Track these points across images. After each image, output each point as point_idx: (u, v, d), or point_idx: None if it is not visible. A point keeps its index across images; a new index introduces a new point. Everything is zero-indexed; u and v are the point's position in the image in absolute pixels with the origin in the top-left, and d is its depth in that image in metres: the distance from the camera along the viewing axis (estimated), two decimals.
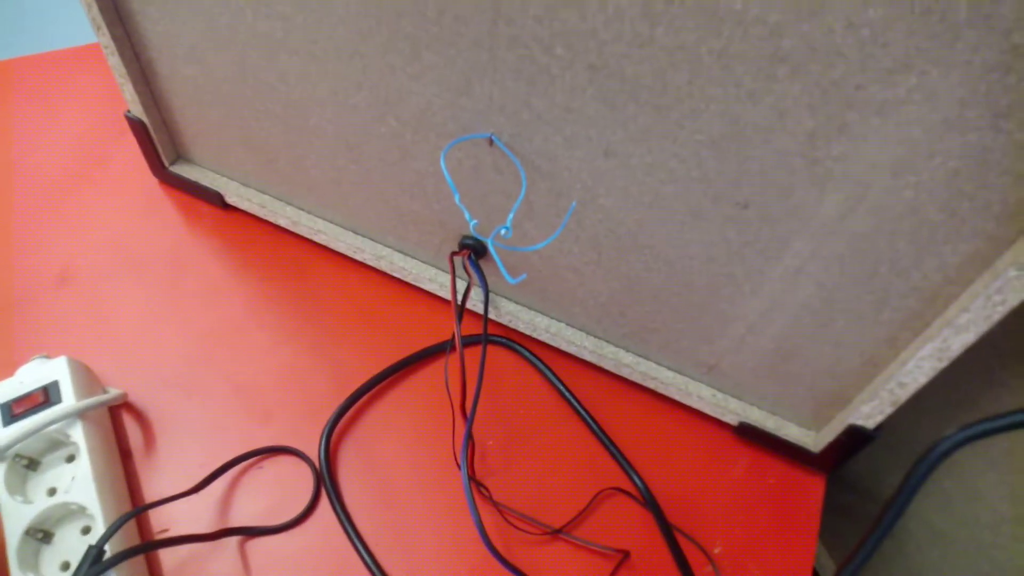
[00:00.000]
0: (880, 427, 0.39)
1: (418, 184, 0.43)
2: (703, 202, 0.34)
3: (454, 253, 0.44)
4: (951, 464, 0.47)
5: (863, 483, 0.55)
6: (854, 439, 0.40)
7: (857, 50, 0.26)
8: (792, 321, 0.38)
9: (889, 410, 0.38)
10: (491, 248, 0.34)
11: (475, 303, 0.49)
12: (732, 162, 0.32)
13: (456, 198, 0.35)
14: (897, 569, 0.53)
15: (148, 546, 0.37)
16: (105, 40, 0.44)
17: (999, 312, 0.30)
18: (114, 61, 0.45)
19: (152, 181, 0.55)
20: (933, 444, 0.27)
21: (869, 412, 0.39)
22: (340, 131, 0.42)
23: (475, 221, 0.35)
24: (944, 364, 0.34)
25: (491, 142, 0.37)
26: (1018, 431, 0.25)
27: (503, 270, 0.34)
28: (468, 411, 0.40)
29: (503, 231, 0.35)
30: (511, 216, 0.36)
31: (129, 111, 0.49)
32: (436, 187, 0.42)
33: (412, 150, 0.41)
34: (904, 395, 0.36)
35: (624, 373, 0.47)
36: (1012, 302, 0.29)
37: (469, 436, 0.38)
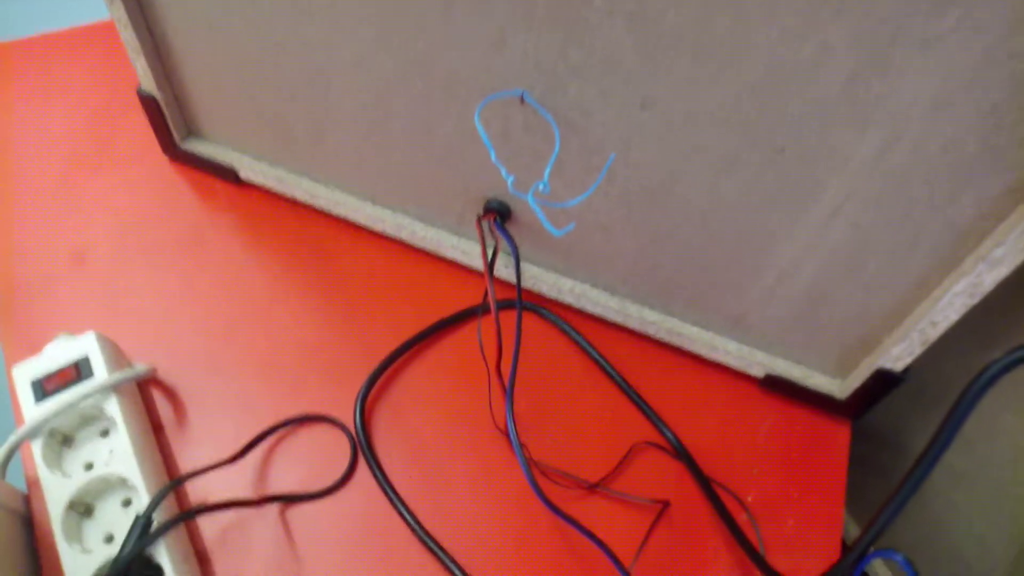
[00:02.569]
0: (908, 369, 0.40)
1: (443, 149, 0.43)
2: (740, 149, 0.35)
3: (481, 217, 0.45)
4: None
5: (881, 433, 0.56)
6: (882, 383, 0.41)
7: None
8: (823, 267, 0.39)
9: (919, 351, 0.39)
10: (531, 203, 0.34)
11: (498, 269, 0.49)
12: (772, 107, 0.32)
13: (492, 155, 0.36)
14: (917, 517, 0.55)
15: (196, 511, 0.37)
16: (118, 13, 0.43)
17: None
18: (127, 35, 0.45)
19: (162, 159, 0.54)
20: (982, 369, 0.28)
21: (898, 354, 0.40)
22: (363, 98, 0.42)
23: (512, 177, 0.36)
24: (976, 300, 0.35)
25: (522, 100, 0.37)
26: None
27: (546, 223, 0.34)
28: (504, 371, 0.40)
29: (540, 186, 0.35)
30: (547, 171, 0.36)
31: (141, 87, 0.48)
32: (462, 150, 0.42)
33: (438, 113, 0.41)
34: (935, 334, 0.37)
35: (649, 331, 0.48)
36: None
37: (511, 397, 0.38)
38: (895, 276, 0.37)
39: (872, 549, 0.31)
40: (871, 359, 0.42)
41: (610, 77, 0.34)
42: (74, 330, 0.43)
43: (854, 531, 0.61)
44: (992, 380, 0.28)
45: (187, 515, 0.36)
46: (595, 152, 0.38)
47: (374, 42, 0.39)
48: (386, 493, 0.42)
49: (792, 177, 0.35)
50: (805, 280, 0.40)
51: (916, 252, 0.36)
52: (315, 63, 0.42)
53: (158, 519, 0.36)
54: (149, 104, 0.49)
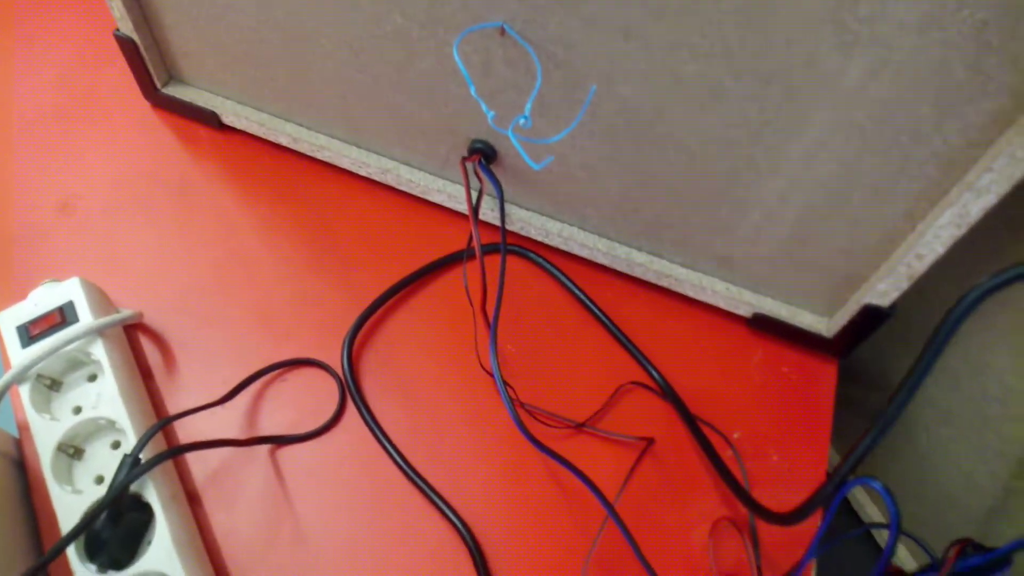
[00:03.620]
0: (895, 305, 0.40)
1: (425, 88, 0.42)
2: (725, 80, 0.34)
3: (465, 158, 0.44)
4: (957, 342, 0.48)
5: (869, 374, 0.56)
6: (869, 319, 0.41)
7: None
8: (809, 203, 0.38)
9: (905, 285, 0.39)
10: (512, 138, 0.34)
11: (485, 212, 0.49)
12: (757, 33, 0.31)
13: (472, 90, 0.35)
14: (906, 454, 0.55)
15: (183, 448, 0.37)
16: None
17: (1022, 170, 0.31)
18: None
19: (144, 105, 0.53)
20: (964, 293, 0.28)
21: (885, 289, 0.39)
22: (342, 35, 0.41)
23: (493, 113, 0.35)
24: (963, 231, 0.34)
25: (503, 32, 0.36)
26: None
27: (525, 156, 0.33)
28: (489, 313, 0.40)
29: (521, 121, 0.35)
30: (529, 105, 0.35)
31: (118, 29, 0.47)
32: (444, 89, 0.42)
33: (419, 49, 0.40)
34: (921, 268, 0.37)
35: (637, 273, 0.48)
36: None
37: (495, 336, 0.38)
38: (881, 209, 0.37)
39: (852, 477, 0.31)
40: (858, 295, 0.41)
41: (592, 4, 0.33)
42: (60, 278, 0.43)
43: None
44: (974, 304, 0.27)
45: (174, 451, 0.37)
46: (578, 86, 0.37)
47: None
48: (374, 434, 0.42)
49: (777, 109, 0.34)
50: (792, 216, 0.40)
51: (901, 184, 0.35)
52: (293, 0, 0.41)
53: (146, 458, 0.37)
54: (127, 47, 0.48)
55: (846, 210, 0.38)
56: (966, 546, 0.33)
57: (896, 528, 0.30)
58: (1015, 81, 0.29)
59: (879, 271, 0.39)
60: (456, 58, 0.35)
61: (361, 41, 0.41)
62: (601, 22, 0.34)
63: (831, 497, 0.31)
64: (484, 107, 0.34)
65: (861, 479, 0.31)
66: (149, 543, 0.36)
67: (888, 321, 0.41)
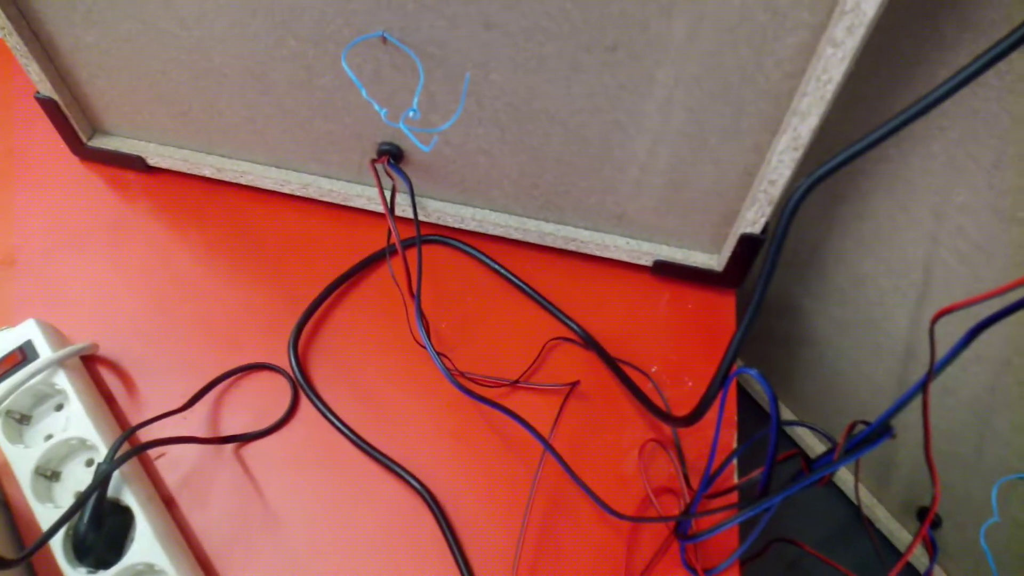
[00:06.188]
0: (766, 230, 0.46)
1: (328, 102, 0.47)
2: (578, 54, 0.39)
3: (374, 160, 0.49)
4: (838, 260, 0.54)
5: (774, 306, 0.62)
6: (747, 247, 0.47)
7: None
8: (674, 151, 0.44)
9: (768, 210, 0.44)
10: (404, 129, 0.38)
11: (404, 208, 0.53)
12: (594, 9, 0.37)
13: (363, 92, 0.40)
14: (818, 372, 0.61)
15: (151, 444, 0.40)
16: (0, 22, 0.46)
17: (829, 90, 0.36)
18: (13, 41, 0.47)
19: (72, 160, 0.57)
20: (791, 192, 0.33)
21: (753, 217, 0.45)
22: (245, 64, 0.46)
23: (385, 110, 0.40)
24: (800, 153, 0.40)
25: (384, 40, 0.41)
26: (851, 162, 0.31)
27: (415, 140, 0.38)
28: (414, 289, 0.45)
29: (411, 113, 0.40)
30: (416, 99, 0.40)
31: (38, 92, 0.51)
32: (345, 100, 0.46)
33: (316, 67, 0.45)
34: (776, 192, 0.43)
35: (548, 241, 0.53)
36: (836, 78, 0.36)
37: (419, 306, 0.43)
38: (733, 147, 0.42)
39: (737, 367, 0.36)
40: (735, 228, 0.47)
41: (452, 5, 0.38)
42: (14, 325, 0.46)
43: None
44: (800, 200, 0.32)
45: (144, 447, 0.40)
46: (458, 79, 0.42)
47: (242, 8, 0.42)
48: (328, 419, 0.46)
49: (627, 73, 0.40)
50: (663, 167, 0.45)
51: (744, 122, 0.41)
52: (193, 38, 0.45)
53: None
54: (50, 108, 0.52)
55: (706, 153, 0.43)
56: (855, 424, 0.39)
57: (774, 404, 0.35)
58: (805, 16, 0.35)
59: (745, 202, 0.45)
60: (345, 67, 0.40)
61: (262, 67, 0.46)
62: (463, 19, 0.39)
63: (718, 388, 0.36)
64: (376, 106, 0.39)
65: (741, 368, 0.36)
66: (133, 540, 0.39)
67: (763, 246, 0.46)
